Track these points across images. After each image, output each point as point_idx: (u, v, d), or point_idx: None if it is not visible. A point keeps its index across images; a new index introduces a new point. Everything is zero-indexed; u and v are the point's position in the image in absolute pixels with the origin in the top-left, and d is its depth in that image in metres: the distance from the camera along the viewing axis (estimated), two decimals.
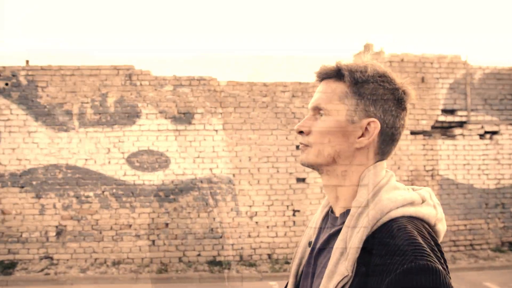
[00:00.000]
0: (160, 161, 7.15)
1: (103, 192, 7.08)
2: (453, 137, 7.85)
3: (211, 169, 7.20)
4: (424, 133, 7.78)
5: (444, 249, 7.66)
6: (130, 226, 7.08)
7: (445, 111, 7.84)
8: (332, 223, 0.99)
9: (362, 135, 0.94)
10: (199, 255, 7.14)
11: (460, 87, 7.85)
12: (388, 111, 0.94)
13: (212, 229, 7.16)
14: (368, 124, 0.94)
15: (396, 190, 0.92)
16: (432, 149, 7.77)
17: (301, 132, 1.00)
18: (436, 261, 0.80)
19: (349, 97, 0.94)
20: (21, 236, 6.99)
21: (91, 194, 7.07)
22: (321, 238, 1.00)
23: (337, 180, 0.96)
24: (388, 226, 0.85)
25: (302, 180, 7.37)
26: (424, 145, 7.76)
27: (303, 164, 1.00)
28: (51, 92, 7.10)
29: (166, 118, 7.18)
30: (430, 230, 0.89)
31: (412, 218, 0.87)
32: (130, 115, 7.15)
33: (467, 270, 7.16)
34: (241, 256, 7.20)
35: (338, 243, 0.90)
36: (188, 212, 7.14)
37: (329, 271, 0.88)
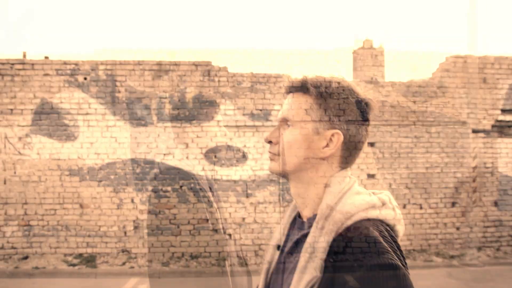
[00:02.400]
0: (237, 156, 7.25)
1: (181, 187, 7.15)
2: (511, 135, 8.15)
3: None
4: (484, 131, 8.05)
5: (503, 243, 7.98)
6: (207, 220, 7.18)
7: (505, 111, 8.13)
8: (300, 228, 1.03)
9: (327, 145, 0.99)
10: None
11: None
12: (351, 123, 1.00)
13: None
14: (332, 135, 0.99)
15: (358, 195, 0.98)
16: (492, 147, 8.06)
17: (270, 142, 1.06)
18: (396, 258, 0.88)
19: (315, 110, 1.00)
20: (99, 229, 7.02)
21: (169, 188, 7.13)
22: (289, 242, 1.05)
23: (304, 187, 1.02)
24: (352, 229, 0.92)
25: (372, 176, 7.57)
26: (484, 143, 8.03)
27: (272, 172, 1.08)
28: (129, 86, 7.12)
29: (243, 114, 7.28)
30: (390, 230, 0.96)
31: (374, 220, 0.94)
32: (208, 111, 7.22)
33: None
34: None
35: (306, 246, 0.94)
36: (265, 207, 7.27)
37: (299, 272, 0.93)
